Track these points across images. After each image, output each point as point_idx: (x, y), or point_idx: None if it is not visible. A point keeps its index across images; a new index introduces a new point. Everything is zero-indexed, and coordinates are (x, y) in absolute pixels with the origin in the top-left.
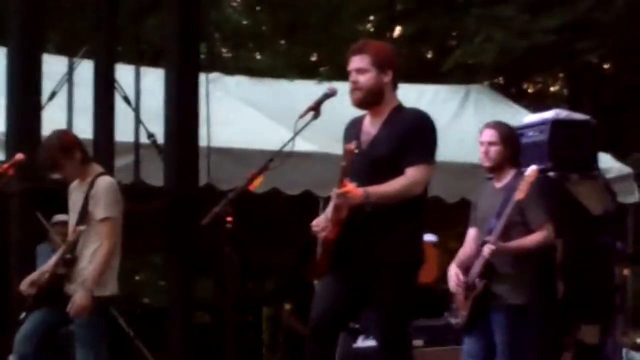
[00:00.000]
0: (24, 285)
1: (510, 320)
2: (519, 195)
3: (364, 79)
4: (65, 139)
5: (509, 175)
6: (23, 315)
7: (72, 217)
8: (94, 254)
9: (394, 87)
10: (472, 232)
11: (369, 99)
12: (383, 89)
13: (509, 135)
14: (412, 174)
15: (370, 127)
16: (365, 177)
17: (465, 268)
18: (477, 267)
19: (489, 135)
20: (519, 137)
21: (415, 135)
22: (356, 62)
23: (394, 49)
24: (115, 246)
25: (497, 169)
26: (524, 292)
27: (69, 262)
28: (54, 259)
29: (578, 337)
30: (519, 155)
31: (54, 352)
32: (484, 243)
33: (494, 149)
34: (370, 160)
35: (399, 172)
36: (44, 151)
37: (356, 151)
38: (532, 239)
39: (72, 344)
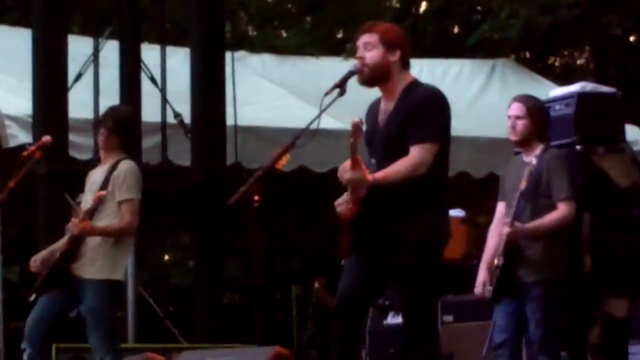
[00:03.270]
0: (33, 263)
1: (541, 297)
2: (522, 185)
3: (370, 55)
4: (132, 118)
5: (536, 150)
6: (32, 297)
7: (88, 196)
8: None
9: (404, 66)
10: (500, 207)
11: (375, 76)
12: (390, 67)
13: (536, 109)
14: (415, 154)
15: (386, 106)
16: (383, 156)
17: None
18: (500, 246)
19: (516, 109)
20: (547, 111)
21: (420, 113)
22: (364, 38)
23: (402, 31)
24: (133, 228)
25: (524, 143)
26: (553, 267)
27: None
28: (65, 238)
29: (606, 311)
30: (546, 129)
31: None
32: (505, 223)
33: (520, 123)
34: (385, 139)
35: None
36: (113, 113)
37: (363, 127)
38: (550, 218)
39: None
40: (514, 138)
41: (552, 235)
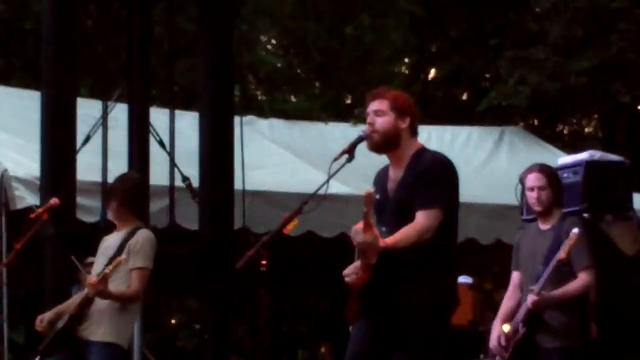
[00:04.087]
0: (39, 323)
1: None
2: (562, 255)
3: (381, 122)
4: (142, 184)
5: (555, 217)
6: (38, 359)
7: (100, 260)
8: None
9: (413, 134)
10: (515, 276)
11: (385, 143)
12: (400, 134)
13: (555, 178)
14: (422, 220)
15: (395, 174)
16: (395, 223)
17: (510, 318)
18: (521, 314)
19: (538, 179)
20: (559, 176)
21: (427, 179)
22: (375, 105)
23: (412, 99)
24: (139, 297)
25: (546, 212)
26: (572, 334)
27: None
28: (72, 300)
29: None
30: (562, 194)
31: None
32: (530, 291)
33: (544, 194)
34: (396, 206)
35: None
36: (124, 182)
37: (377, 197)
38: (575, 286)
39: None
40: (539, 209)
41: (573, 303)
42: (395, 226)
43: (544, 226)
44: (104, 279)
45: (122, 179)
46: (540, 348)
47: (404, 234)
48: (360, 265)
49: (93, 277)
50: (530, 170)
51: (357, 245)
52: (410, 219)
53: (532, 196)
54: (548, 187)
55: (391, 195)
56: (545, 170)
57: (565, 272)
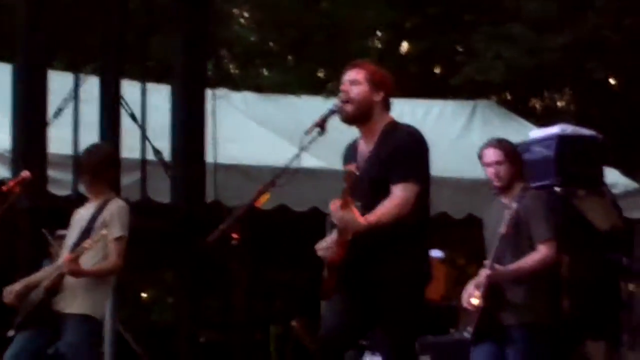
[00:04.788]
0: (7, 295)
1: (524, 340)
2: (503, 229)
3: (356, 91)
4: (112, 155)
5: (516, 190)
6: (12, 333)
7: (72, 233)
8: (97, 264)
9: (386, 108)
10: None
11: (358, 114)
12: (372, 106)
13: (513, 151)
14: (398, 194)
15: (365, 147)
16: (367, 199)
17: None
18: (480, 289)
19: (496, 154)
20: (518, 149)
21: (400, 153)
22: (351, 74)
23: (388, 73)
24: (119, 268)
25: (507, 187)
26: (535, 310)
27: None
28: (43, 272)
29: (584, 354)
30: (522, 167)
31: None
32: (485, 265)
33: (503, 168)
34: (368, 182)
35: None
36: (91, 154)
37: (357, 173)
38: (531, 259)
39: None
40: (498, 184)
41: (533, 277)
42: (369, 200)
43: (506, 200)
44: (78, 256)
45: (89, 151)
46: (502, 325)
47: (384, 210)
48: (337, 241)
49: (68, 254)
50: (487, 145)
51: (337, 222)
52: (384, 193)
53: (490, 171)
54: (505, 162)
55: (361, 169)
56: (502, 144)
57: (526, 246)
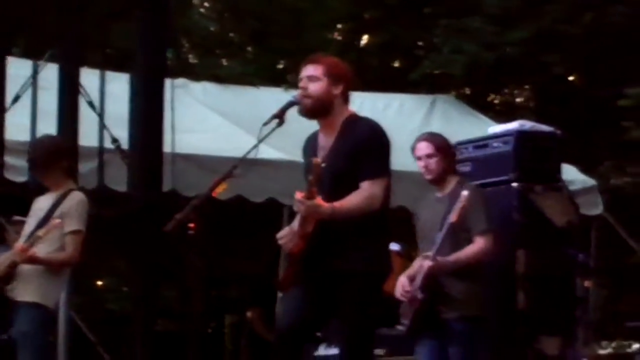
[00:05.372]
0: None
1: (465, 332)
2: (453, 218)
3: (314, 87)
4: (61, 145)
5: (451, 184)
6: None
7: (31, 222)
8: (53, 254)
9: (345, 101)
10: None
11: (317, 108)
12: (332, 100)
13: (444, 145)
14: (368, 189)
15: (325, 141)
16: (327, 192)
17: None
18: (418, 280)
19: (426, 148)
20: (451, 144)
21: (369, 149)
22: (309, 70)
23: (348, 66)
24: (76, 260)
25: (439, 180)
26: (476, 303)
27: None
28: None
29: (538, 349)
30: (455, 162)
31: None
32: (426, 257)
33: (433, 161)
34: (329, 175)
35: (356, 184)
36: (38, 149)
37: (323, 165)
38: (469, 251)
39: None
40: (428, 177)
41: (473, 270)
42: (329, 193)
43: (440, 193)
44: (31, 245)
45: (36, 145)
46: (442, 318)
47: (353, 201)
48: (298, 232)
49: (20, 244)
50: (418, 139)
51: (301, 211)
52: (345, 187)
53: (420, 165)
54: (437, 155)
55: (323, 162)
56: (433, 138)
57: (464, 238)
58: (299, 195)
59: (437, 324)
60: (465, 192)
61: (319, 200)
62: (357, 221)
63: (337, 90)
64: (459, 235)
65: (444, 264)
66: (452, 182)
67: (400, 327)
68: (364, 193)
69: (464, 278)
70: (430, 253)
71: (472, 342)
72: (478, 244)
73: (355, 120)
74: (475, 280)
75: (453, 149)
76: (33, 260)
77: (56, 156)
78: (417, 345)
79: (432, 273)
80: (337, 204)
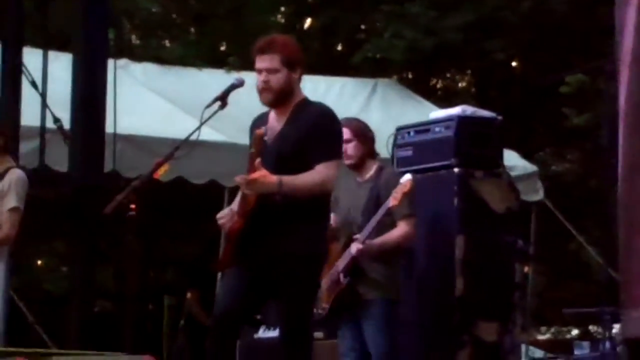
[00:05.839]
0: None
1: (384, 313)
2: (393, 202)
3: (276, 80)
4: None
5: (371, 169)
6: None
7: None
8: None
9: (299, 82)
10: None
11: (281, 99)
12: (294, 87)
13: (362, 129)
14: (323, 171)
15: (276, 122)
16: (272, 173)
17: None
18: (342, 263)
19: (344, 133)
20: (370, 129)
21: (322, 132)
22: (266, 61)
23: (298, 44)
24: (12, 239)
25: (359, 164)
26: (396, 286)
27: None
28: None
29: (476, 334)
30: (374, 146)
31: None
32: (351, 240)
33: (351, 146)
34: (275, 156)
35: (305, 168)
36: None
37: (265, 138)
38: (394, 235)
39: None
40: (348, 162)
41: (393, 254)
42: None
43: (360, 178)
44: None
45: None
46: (361, 299)
47: (306, 179)
48: (238, 210)
49: None
50: None
51: (247, 188)
52: (288, 171)
53: None
54: (354, 140)
55: (270, 144)
56: (349, 123)
57: (386, 222)
58: (239, 177)
59: (356, 305)
60: (409, 176)
61: (263, 172)
62: (299, 202)
63: (297, 75)
64: (382, 219)
65: (371, 246)
66: (372, 167)
67: (318, 311)
68: (317, 175)
69: (385, 262)
70: (359, 237)
71: (390, 324)
72: (402, 228)
73: (305, 104)
74: (395, 264)
75: (371, 133)
76: None
77: None
78: (340, 328)
79: (359, 257)
80: (286, 178)
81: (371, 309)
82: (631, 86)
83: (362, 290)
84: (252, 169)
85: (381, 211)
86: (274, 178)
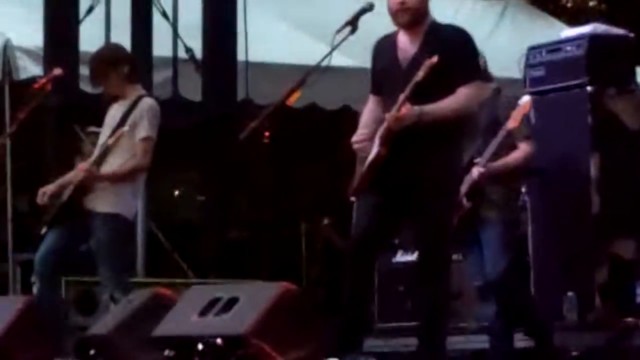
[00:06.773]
0: (41, 196)
1: (502, 234)
2: (512, 123)
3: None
4: (117, 52)
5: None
6: (44, 229)
7: (105, 131)
8: (123, 164)
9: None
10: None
11: (416, 19)
12: (426, 9)
13: None
14: (467, 92)
15: (409, 45)
16: (405, 96)
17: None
18: (464, 187)
19: None
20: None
21: (462, 54)
22: None
23: None
24: (146, 167)
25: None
26: (514, 206)
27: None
28: (74, 172)
29: (613, 252)
30: None
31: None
32: (472, 164)
33: None
34: (411, 81)
35: (441, 92)
36: (93, 60)
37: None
38: (516, 156)
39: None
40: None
41: (512, 175)
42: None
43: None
44: (102, 158)
45: (90, 58)
46: (482, 219)
47: (449, 107)
48: (382, 137)
49: (82, 164)
50: None
51: (394, 119)
52: (424, 94)
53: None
54: None
55: (404, 65)
56: None
57: (506, 143)
58: (388, 115)
59: (478, 227)
60: (527, 98)
61: (409, 108)
62: (437, 127)
63: None
64: (503, 141)
65: (494, 170)
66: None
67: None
68: (461, 98)
69: (505, 183)
70: (481, 160)
71: (509, 243)
72: (523, 150)
73: (439, 27)
74: (515, 185)
75: None
76: (96, 178)
77: (113, 64)
78: (465, 251)
79: (481, 180)
80: (428, 107)
81: (491, 229)
82: None
83: (482, 212)
84: (402, 105)
85: (501, 134)
86: (414, 111)
